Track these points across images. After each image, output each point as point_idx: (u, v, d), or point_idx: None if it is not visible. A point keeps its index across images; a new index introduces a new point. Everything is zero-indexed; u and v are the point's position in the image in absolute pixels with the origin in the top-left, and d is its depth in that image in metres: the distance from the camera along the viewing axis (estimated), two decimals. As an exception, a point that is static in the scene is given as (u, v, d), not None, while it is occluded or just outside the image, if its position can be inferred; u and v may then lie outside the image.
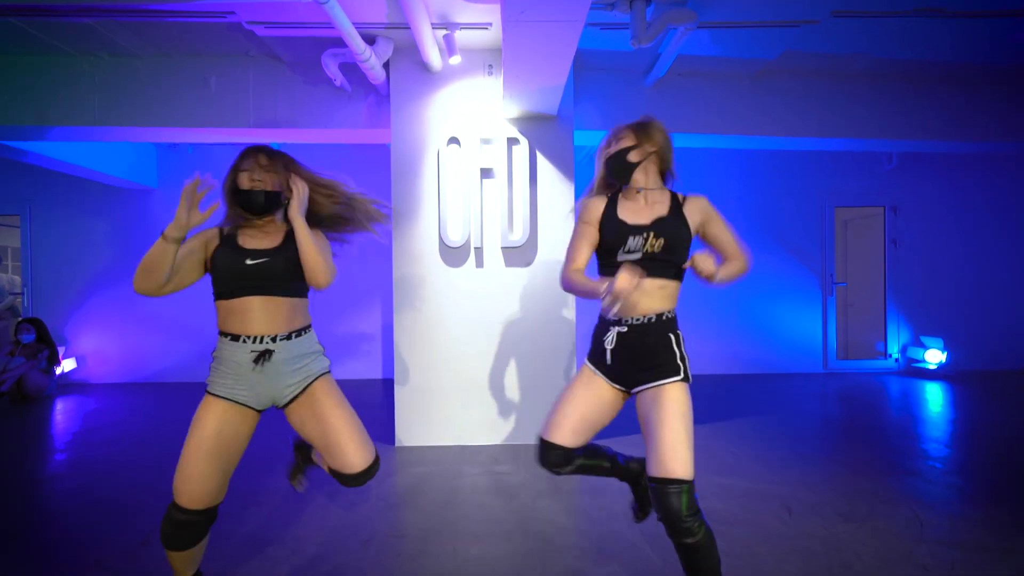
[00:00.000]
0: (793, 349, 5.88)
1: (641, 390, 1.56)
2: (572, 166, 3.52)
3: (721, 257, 1.70)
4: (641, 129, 1.66)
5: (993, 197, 5.90)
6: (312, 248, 1.54)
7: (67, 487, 2.83)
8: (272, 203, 1.58)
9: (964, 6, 3.14)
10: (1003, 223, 5.91)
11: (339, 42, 3.36)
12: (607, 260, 1.65)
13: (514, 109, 3.34)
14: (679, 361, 1.56)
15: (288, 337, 1.56)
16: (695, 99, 3.96)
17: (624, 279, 1.40)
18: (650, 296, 1.56)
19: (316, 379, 1.61)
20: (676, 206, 1.65)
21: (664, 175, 1.72)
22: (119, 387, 5.62)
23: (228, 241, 1.57)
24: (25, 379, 4.99)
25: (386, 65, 3.51)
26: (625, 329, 1.57)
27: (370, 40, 3.29)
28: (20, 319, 5.30)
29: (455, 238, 3.45)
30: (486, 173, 3.48)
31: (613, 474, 1.82)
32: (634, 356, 1.57)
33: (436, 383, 3.47)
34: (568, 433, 1.64)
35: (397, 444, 3.46)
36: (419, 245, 3.47)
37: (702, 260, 1.49)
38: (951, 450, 3.28)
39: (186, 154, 5.85)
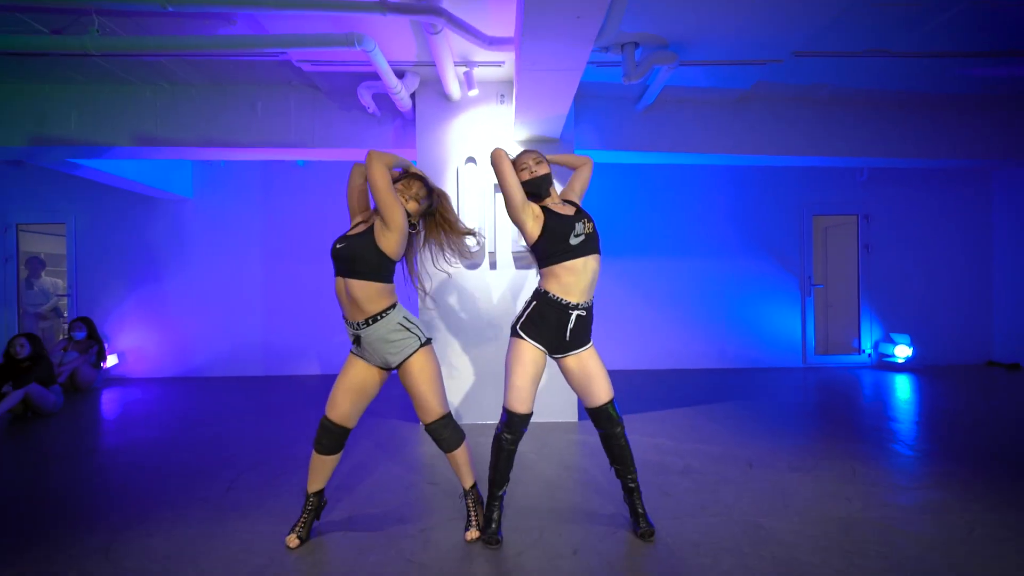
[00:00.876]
0: (775, 345, 6.42)
1: (573, 354, 2.13)
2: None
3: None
4: (544, 160, 2.26)
5: (955, 206, 6.48)
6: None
7: (141, 456, 3.36)
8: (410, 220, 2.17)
9: (908, 47, 3.69)
10: (964, 230, 6.50)
11: (373, 76, 3.91)
12: (558, 247, 2.07)
13: (523, 133, 3.89)
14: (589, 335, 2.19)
15: (367, 323, 2.02)
16: (682, 122, 4.53)
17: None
18: (594, 279, 2.11)
19: (412, 354, 2.08)
20: (569, 202, 2.26)
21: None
22: (157, 381, 6.14)
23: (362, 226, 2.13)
24: (77, 372, 5.51)
25: (412, 95, 4.07)
26: (584, 313, 2.11)
27: (399, 74, 3.85)
28: (74, 318, 5.81)
29: (471, 244, 4.00)
30: (498, 188, 4.04)
31: None
32: (578, 332, 2.10)
33: (457, 368, 4.00)
34: (531, 401, 2.12)
35: (409, 422, 4.00)
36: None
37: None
38: (901, 425, 3.82)
39: (219, 167, 6.40)
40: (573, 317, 2.08)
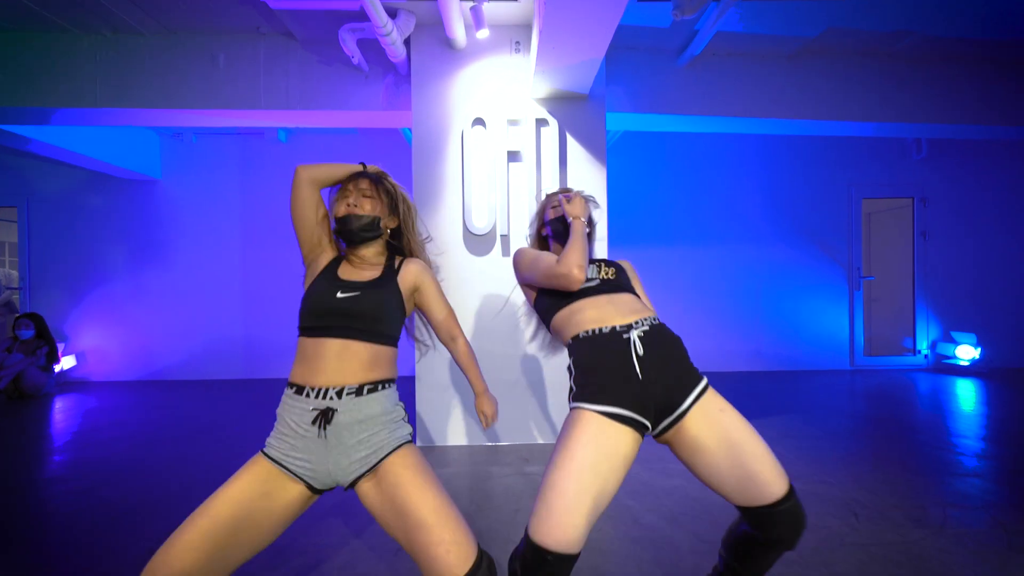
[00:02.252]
0: (818, 345, 5.69)
1: (689, 406, 1.27)
2: (604, 149, 3.32)
3: None
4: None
5: (1026, 187, 5.72)
6: (440, 306, 1.53)
7: (69, 489, 2.62)
8: (368, 230, 1.43)
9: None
10: (1037, 214, 5.73)
11: (358, 16, 3.16)
12: (560, 297, 1.49)
13: (543, 88, 3.15)
14: (691, 361, 1.37)
15: (358, 392, 1.25)
16: (729, 80, 3.77)
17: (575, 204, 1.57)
18: (633, 307, 1.42)
19: (390, 453, 1.25)
20: (610, 263, 1.65)
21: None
22: (120, 385, 5.41)
23: (329, 268, 1.41)
24: (23, 376, 4.78)
25: (406, 42, 3.32)
26: (647, 327, 1.34)
27: (392, 13, 3.10)
28: (18, 315, 5.08)
29: (480, 225, 3.25)
30: (513, 156, 3.29)
31: None
32: (663, 360, 1.30)
33: (460, 379, 3.27)
34: (581, 528, 1.14)
35: (420, 444, 3.27)
36: (442, 233, 3.28)
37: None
38: (1002, 448, 3.08)
39: (190, 144, 5.65)
40: (634, 338, 1.30)
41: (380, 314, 1.33)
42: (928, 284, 5.73)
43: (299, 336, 1.32)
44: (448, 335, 1.52)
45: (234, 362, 5.67)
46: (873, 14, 3.31)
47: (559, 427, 3.22)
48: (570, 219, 1.55)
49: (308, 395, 1.24)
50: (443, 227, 3.27)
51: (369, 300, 1.33)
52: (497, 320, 3.27)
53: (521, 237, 3.28)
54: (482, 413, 1.49)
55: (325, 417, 1.21)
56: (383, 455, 1.25)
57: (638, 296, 1.51)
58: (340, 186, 1.47)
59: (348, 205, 1.42)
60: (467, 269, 3.27)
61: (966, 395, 4.48)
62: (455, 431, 3.27)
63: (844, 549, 1.94)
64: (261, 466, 1.22)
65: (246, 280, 5.66)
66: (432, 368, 3.26)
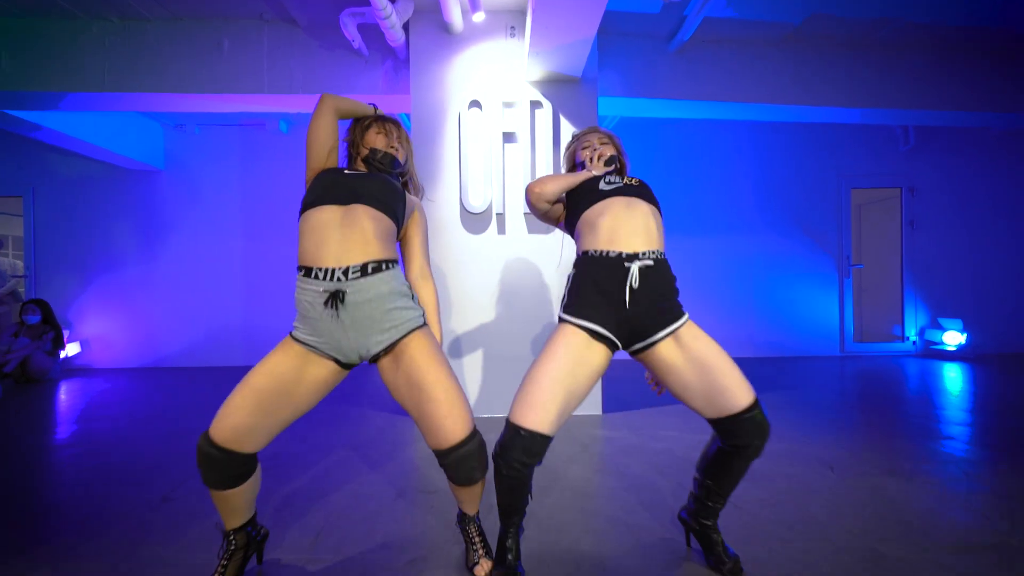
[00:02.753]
0: (809, 332, 5.80)
1: (663, 335, 1.39)
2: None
3: None
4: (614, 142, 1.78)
5: (1013, 177, 5.83)
6: (421, 240, 1.66)
7: (79, 453, 2.72)
8: (395, 167, 1.61)
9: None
10: (1022, 202, 5.85)
11: (359, 2, 3.28)
12: (584, 197, 1.56)
13: (537, 71, 3.26)
14: (678, 299, 1.47)
15: (363, 272, 1.32)
16: (719, 65, 3.89)
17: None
18: (648, 227, 1.47)
19: (411, 331, 1.38)
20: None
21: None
22: (124, 372, 5.51)
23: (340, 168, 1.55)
24: (29, 360, 4.88)
25: (405, 27, 3.43)
26: (651, 263, 1.40)
27: (390, -1, 3.21)
28: (26, 300, 5.18)
29: (477, 204, 3.36)
30: (508, 137, 3.40)
31: None
32: (655, 296, 1.39)
33: (457, 353, 3.37)
34: (551, 416, 1.32)
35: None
36: (440, 212, 3.39)
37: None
38: (981, 418, 3.19)
39: (193, 135, 5.76)
40: (634, 271, 1.38)
41: (386, 190, 1.46)
42: (916, 272, 5.85)
43: (302, 213, 1.40)
44: (421, 272, 1.63)
45: (235, 349, 5.77)
46: (856, 1, 3.43)
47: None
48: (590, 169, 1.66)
49: (316, 276, 1.32)
50: (441, 206, 3.38)
51: (376, 179, 1.48)
52: (492, 295, 3.37)
53: (516, 216, 3.39)
54: None
55: (336, 298, 1.30)
56: (401, 335, 1.37)
57: (656, 209, 1.55)
58: (370, 123, 1.63)
59: (390, 145, 1.60)
60: (464, 247, 3.38)
61: (952, 377, 4.59)
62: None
63: (817, 494, 2.05)
64: (291, 347, 1.35)
65: (247, 269, 5.76)
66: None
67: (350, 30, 3.32)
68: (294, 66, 3.67)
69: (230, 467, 1.32)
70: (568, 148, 1.83)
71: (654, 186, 5.66)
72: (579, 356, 1.36)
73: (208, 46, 3.66)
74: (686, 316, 1.43)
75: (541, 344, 3.39)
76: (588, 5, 2.54)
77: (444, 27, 3.36)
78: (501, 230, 3.40)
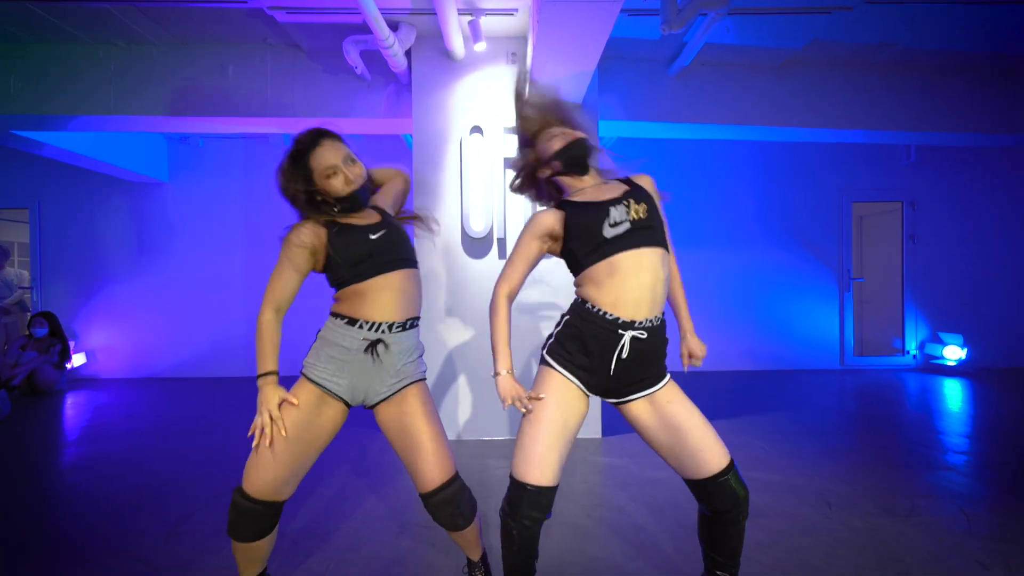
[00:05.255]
0: (809, 345, 5.82)
1: (637, 398, 1.42)
2: (597, 155, 3.45)
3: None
4: (574, 117, 1.55)
5: (1014, 192, 5.83)
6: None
7: (87, 479, 2.77)
8: (370, 192, 1.57)
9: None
10: (1022, 217, 5.85)
11: (361, 29, 3.30)
12: (589, 243, 1.40)
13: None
14: (663, 363, 1.46)
15: (404, 327, 1.45)
16: (719, 90, 3.91)
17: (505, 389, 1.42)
18: (657, 281, 1.38)
19: (412, 383, 1.49)
20: (629, 182, 1.54)
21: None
22: (129, 382, 5.57)
23: (339, 233, 1.42)
24: (37, 373, 4.94)
25: (407, 54, 3.46)
26: (644, 335, 1.37)
27: (393, 26, 3.24)
28: (34, 313, 5.24)
29: (478, 228, 3.39)
30: (510, 163, 3.42)
31: None
32: (640, 364, 1.39)
33: (457, 376, 3.41)
34: (554, 467, 1.36)
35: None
36: (441, 236, 3.41)
37: (696, 349, 1.57)
38: (980, 444, 3.22)
39: (197, 147, 5.80)
40: (626, 341, 1.36)
41: (406, 239, 1.52)
42: (917, 286, 5.86)
43: (346, 285, 1.41)
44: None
45: (238, 360, 5.82)
46: (856, 27, 3.44)
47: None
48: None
49: (361, 327, 1.41)
50: (443, 230, 3.41)
51: (395, 230, 1.49)
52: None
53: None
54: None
55: (374, 348, 1.41)
56: (406, 384, 1.47)
57: (666, 250, 1.43)
58: (308, 158, 1.42)
59: (348, 182, 1.42)
60: (466, 270, 3.41)
61: (952, 394, 4.61)
62: (452, 427, 3.42)
63: (813, 535, 2.08)
64: (308, 389, 1.42)
65: (250, 280, 5.81)
66: (429, 365, 3.40)
67: (353, 56, 3.35)
68: (297, 90, 3.70)
69: (267, 518, 1.41)
70: (522, 142, 1.59)
71: (655, 200, 5.67)
72: (568, 407, 1.40)
73: (213, 70, 3.69)
74: (666, 379, 1.44)
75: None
76: (589, 40, 2.56)
77: (446, 54, 3.38)
78: (502, 254, 3.43)
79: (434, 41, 3.37)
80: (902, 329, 5.91)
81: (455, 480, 1.46)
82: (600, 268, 1.39)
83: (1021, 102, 4.24)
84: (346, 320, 1.42)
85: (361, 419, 3.66)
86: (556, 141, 1.51)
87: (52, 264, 5.80)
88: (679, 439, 1.37)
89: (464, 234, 3.41)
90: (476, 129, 3.41)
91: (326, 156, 1.41)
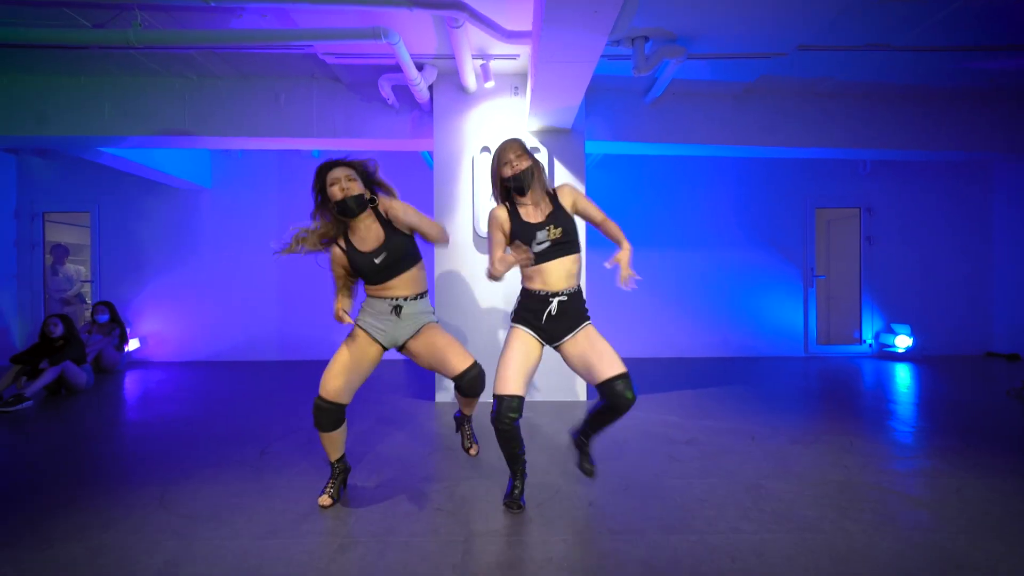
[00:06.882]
0: (777, 335, 6.57)
1: (570, 338, 2.14)
2: (583, 169, 4.24)
3: (592, 224, 2.32)
4: (527, 152, 2.19)
5: (956, 199, 6.61)
6: (418, 220, 2.21)
7: (191, 421, 3.55)
8: (362, 205, 2.15)
9: (910, 41, 3.82)
10: (965, 222, 6.62)
11: (394, 68, 4.08)
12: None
13: (536, 124, 4.05)
14: (587, 313, 2.22)
15: (413, 298, 2.24)
16: (688, 115, 4.68)
17: (518, 253, 2.05)
18: (569, 273, 2.13)
19: (426, 324, 2.26)
20: (554, 200, 2.22)
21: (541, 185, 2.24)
22: (177, 365, 6.34)
23: (350, 247, 2.18)
24: (102, 354, 5.71)
25: (430, 88, 4.24)
26: (565, 298, 2.13)
27: (419, 67, 4.02)
28: (96, 302, 6.02)
29: (486, 229, 4.16)
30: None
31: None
32: (563, 317, 2.13)
33: (470, 349, 4.17)
34: (520, 384, 2.07)
35: (437, 400, 4.18)
36: (457, 236, 4.18)
37: (621, 264, 2.18)
38: (899, 407, 3.96)
39: (236, 158, 6.58)
40: (554, 304, 2.12)
41: (403, 252, 2.19)
42: (873, 282, 6.62)
43: (367, 285, 2.25)
44: (437, 226, 2.28)
45: (270, 347, 6.59)
46: (795, 66, 4.20)
47: (558, 390, 4.10)
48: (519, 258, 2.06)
49: (386, 300, 2.22)
50: (457, 232, 4.18)
51: (394, 250, 2.16)
52: (499, 305, 4.17)
53: (518, 240, 4.19)
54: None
55: (397, 309, 2.22)
56: (420, 326, 2.27)
57: (576, 255, 2.13)
58: (321, 181, 2.16)
59: (340, 190, 2.09)
60: (476, 264, 4.18)
61: (898, 375, 5.37)
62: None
63: (736, 456, 2.84)
64: (359, 333, 2.23)
65: (282, 276, 6.58)
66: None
67: (386, 90, 4.13)
68: (338, 115, 4.49)
69: (335, 414, 2.18)
70: (492, 167, 2.23)
71: (638, 209, 6.45)
72: (528, 349, 2.15)
73: (268, 99, 4.48)
74: (586, 323, 2.18)
75: (545, 351, 4.20)
76: (574, 83, 3.33)
77: (461, 88, 4.16)
78: (505, 251, 4.20)
79: (452, 78, 4.16)
80: (860, 321, 6.67)
81: (476, 364, 2.21)
82: (533, 270, 2.17)
83: (951, 124, 4.99)
84: (376, 297, 2.24)
85: (374, 386, 4.41)
86: (506, 169, 2.17)
87: (109, 260, 6.58)
88: (587, 358, 2.11)
89: (475, 234, 4.18)
90: (485, 148, 4.18)
91: (333, 174, 2.15)
